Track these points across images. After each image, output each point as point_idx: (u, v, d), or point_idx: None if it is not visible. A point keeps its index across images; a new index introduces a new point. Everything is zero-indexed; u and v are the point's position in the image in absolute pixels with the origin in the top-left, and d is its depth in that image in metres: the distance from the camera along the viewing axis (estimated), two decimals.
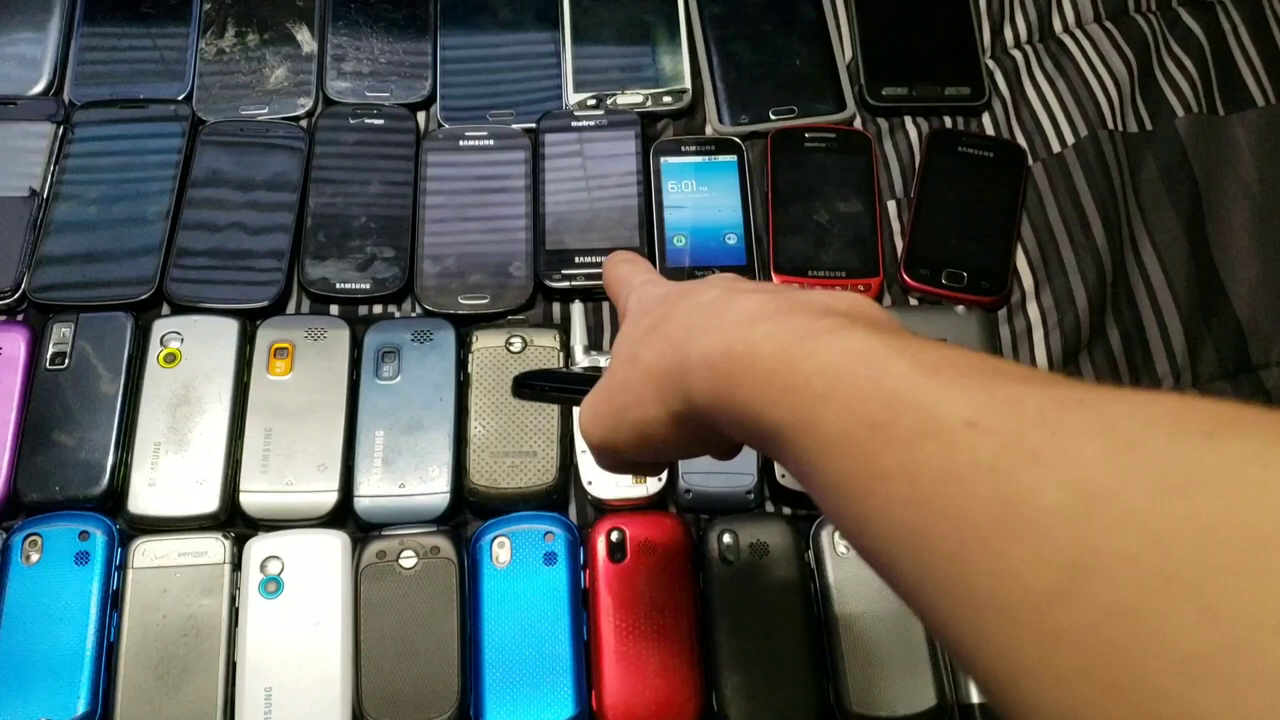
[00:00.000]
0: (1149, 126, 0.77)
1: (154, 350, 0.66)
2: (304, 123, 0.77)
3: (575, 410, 0.64)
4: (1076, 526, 0.22)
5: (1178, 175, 0.74)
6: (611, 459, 0.42)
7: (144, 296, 0.69)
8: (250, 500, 0.63)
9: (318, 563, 0.61)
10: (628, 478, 0.64)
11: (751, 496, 0.65)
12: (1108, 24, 0.80)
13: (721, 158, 0.75)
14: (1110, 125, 0.75)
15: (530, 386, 0.50)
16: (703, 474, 0.64)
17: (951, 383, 0.27)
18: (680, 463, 0.64)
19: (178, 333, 0.67)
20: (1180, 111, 0.77)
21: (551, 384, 0.50)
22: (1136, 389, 0.25)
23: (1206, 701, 0.19)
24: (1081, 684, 0.21)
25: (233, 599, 0.60)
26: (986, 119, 0.78)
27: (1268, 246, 0.72)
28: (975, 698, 0.59)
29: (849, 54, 0.80)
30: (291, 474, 0.64)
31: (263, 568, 0.61)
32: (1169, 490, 0.21)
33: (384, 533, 0.62)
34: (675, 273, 0.70)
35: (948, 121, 0.78)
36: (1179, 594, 0.20)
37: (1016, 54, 0.80)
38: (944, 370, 0.28)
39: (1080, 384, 0.26)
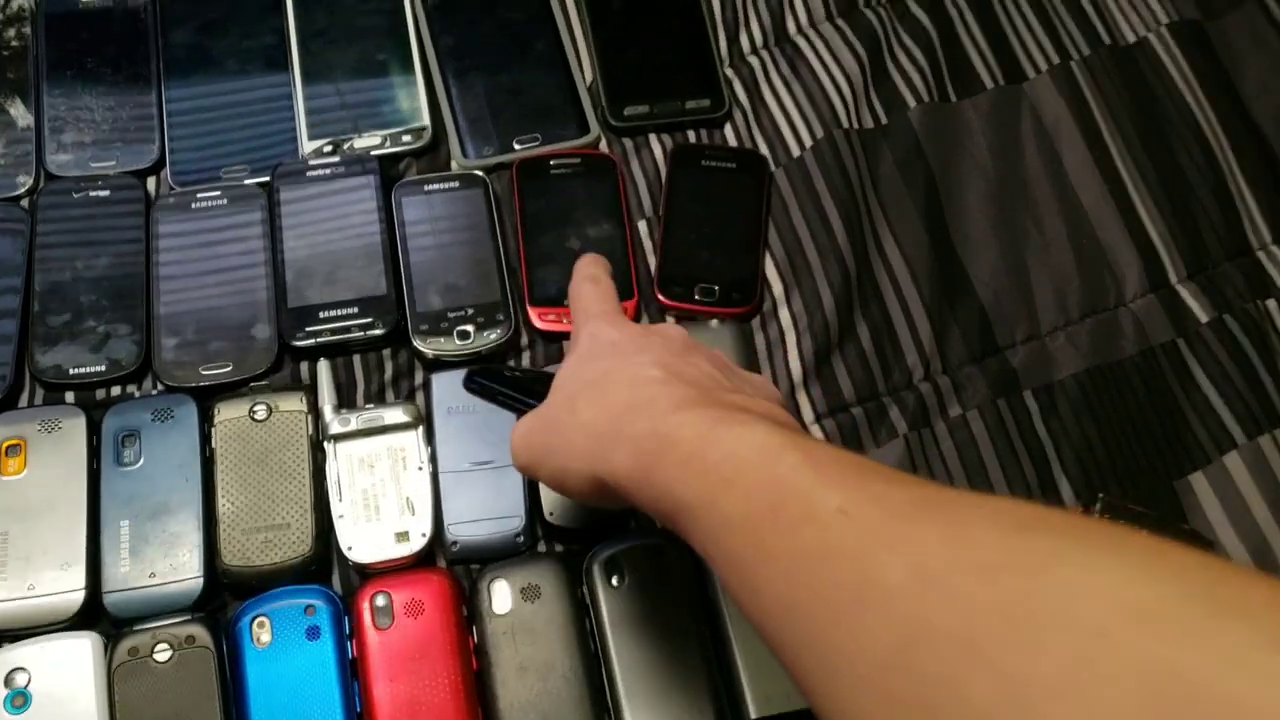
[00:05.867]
0: (884, 120, 0.78)
1: None
2: (24, 202, 0.73)
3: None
4: (911, 603, 0.27)
5: (913, 165, 0.76)
6: (530, 478, 0.49)
7: None
8: None
9: (67, 669, 0.58)
10: (389, 539, 0.62)
11: (521, 539, 0.64)
12: (839, 21, 0.81)
13: (466, 193, 0.73)
14: (845, 124, 0.76)
15: (479, 384, 0.55)
16: (468, 523, 0.63)
17: (832, 476, 0.32)
18: (445, 515, 0.63)
19: None
20: (913, 102, 0.78)
21: (500, 389, 0.54)
22: (980, 494, 0.30)
23: None
24: None
25: None
26: (729, 129, 0.78)
27: (1004, 226, 0.74)
28: (753, 712, 0.59)
29: (589, 77, 0.79)
30: (33, 577, 0.60)
31: (7, 682, 0.57)
32: (984, 572, 0.26)
33: (135, 628, 0.59)
34: (429, 318, 0.69)
35: (691, 136, 0.78)
36: (981, 663, 0.24)
37: (753, 60, 0.80)
38: (828, 465, 0.33)
39: (938, 487, 0.32)
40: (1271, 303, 0.73)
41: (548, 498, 0.64)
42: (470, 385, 0.57)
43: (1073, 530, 0.26)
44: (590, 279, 0.53)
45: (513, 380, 0.56)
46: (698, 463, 0.36)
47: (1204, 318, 0.72)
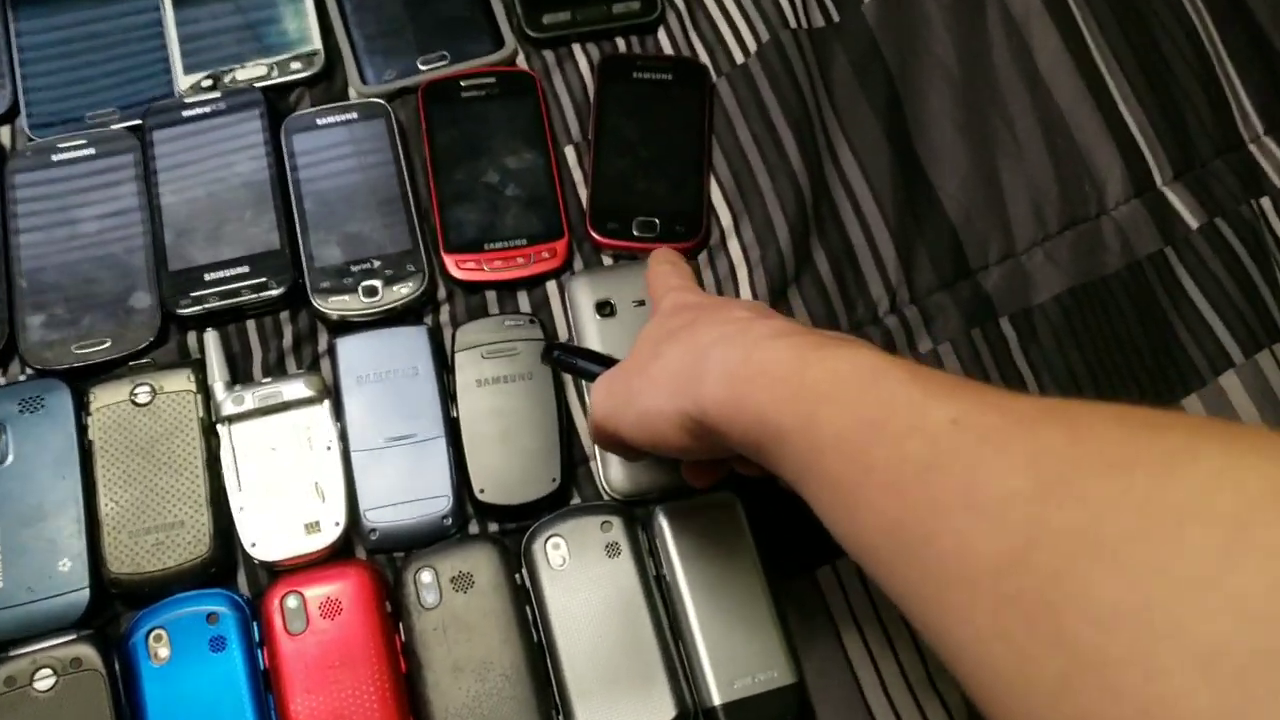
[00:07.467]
0: (835, 18, 0.70)
1: None
2: None
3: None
4: (1030, 505, 0.26)
5: (870, 67, 0.68)
6: (609, 437, 0.45)
7: None
8: None
9: None
10: (298, 531, 0.55)
11: (449, 521, 0.57)
12: None
13: (366, 124, 0.65)
14: (793, 23, 0.68)
15: (559, 356, 0.54)
16: (387, 507, 0.56)
17: (940, 390, 0.31)
18: (361, 499, 0.56)
19: None
20: None
21: (581, 356, 0.53)
22: (1104, 401, 0.28)
23: (1119, 650, 0.22)
24: (1024, 640, 0.24)
25: None
26: (663, 35, 0.70)
27: (972, 131, 0.67)
28: (717, 699, 0.53)
29: None
30: None
31: None
32: (1113, 470, 0.25)
33: (12, 653, 0.52)
34: (330, 273, 0.61)
35: (621, 45, 0.69)
36: (1107, 558, 0.23)
37: None
38: (936, 381, 0.32)
39: (1058, 398, 0.29)
40: (1266, 201, 0.66)
41: (478, 473, 0.57)
42: (548, 358, 0.55)
43: (1206, 427, 0.25)
44: (669, 262, 0.53)
45: (593, 353, 0.54)
46: (794, 383, 0.35)
47: (1194, 223, 0.65)
